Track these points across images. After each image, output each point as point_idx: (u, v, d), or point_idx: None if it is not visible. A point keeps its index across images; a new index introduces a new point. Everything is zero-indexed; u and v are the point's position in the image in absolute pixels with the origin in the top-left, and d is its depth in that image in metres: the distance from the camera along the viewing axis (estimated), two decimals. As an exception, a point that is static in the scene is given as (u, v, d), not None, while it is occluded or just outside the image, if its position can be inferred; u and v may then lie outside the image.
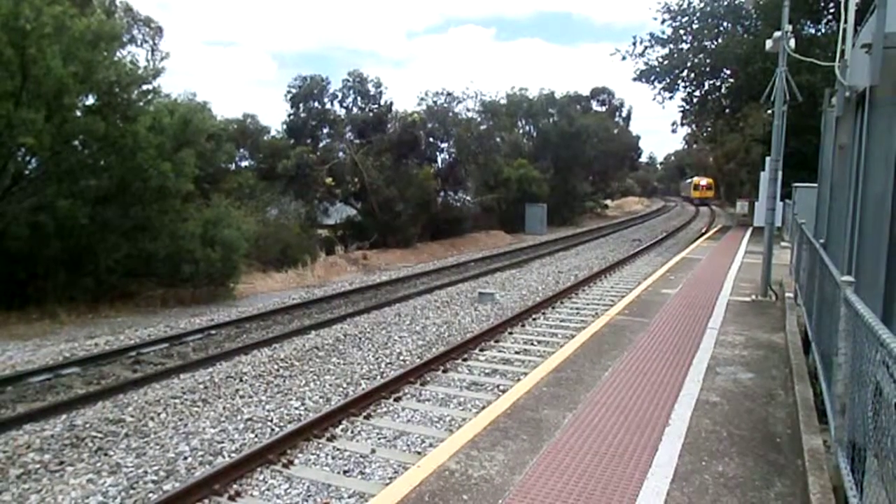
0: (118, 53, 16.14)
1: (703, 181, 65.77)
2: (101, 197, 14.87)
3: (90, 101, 15.15)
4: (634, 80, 32.75)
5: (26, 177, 14.89)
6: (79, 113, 14.71)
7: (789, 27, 11.12)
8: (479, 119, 35.39)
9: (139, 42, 21.83)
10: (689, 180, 73.90)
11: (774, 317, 10.26)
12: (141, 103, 15.86)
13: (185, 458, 6.61)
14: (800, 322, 9.36)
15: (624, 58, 32.66)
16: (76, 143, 14.78)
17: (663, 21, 30.74)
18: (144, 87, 16.12)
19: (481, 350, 10.63)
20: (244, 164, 28.24)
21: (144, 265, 15.65)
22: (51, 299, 14.12)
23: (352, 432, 7.20)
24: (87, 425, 7.49)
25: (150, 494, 5.87)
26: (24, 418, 7.64)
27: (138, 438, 7.17)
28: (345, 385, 9.06)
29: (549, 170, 43.33)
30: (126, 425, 7.54)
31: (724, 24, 30.06)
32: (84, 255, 14.75)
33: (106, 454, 6.76)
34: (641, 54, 32.03)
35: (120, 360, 10.35)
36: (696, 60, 31.13)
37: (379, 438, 7.01)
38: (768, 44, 11.52)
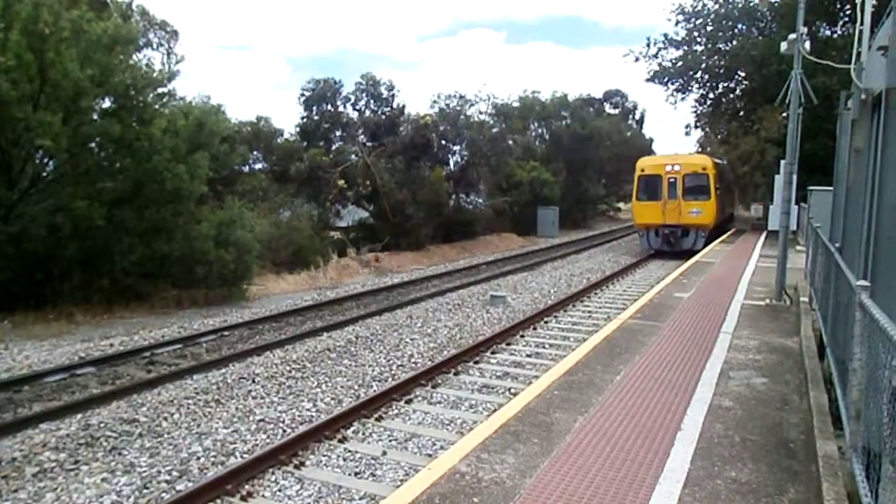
0: (134, 57, 16.32)
1: (675, 165, 24.37)
2: (116, 199, 15.02)
3: (106, 103, 15.32)
4: (648, 80, 32.75)
5: (44, 179, 15.07)
6: (95, 116, 14.87)
7: (804, 29, 11.04)
8: (491, 122, 35.38)
9: (155, 45, 22.05)
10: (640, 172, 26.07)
11: (789, 321, 10.16)
12: (156, 106, 16.01)
13: (198, 459, 6.66)
14: (815, 326, 9.27)
15: (637, 59, 32.67)
16: (93, 145, 14.93)
17: (677, 23, 30.68)
18: (160, 91, 16.27)
19: (493, 353, 10.62)
20: (257, 166, 28.41)
21: (159, 266, 15.78)
22: (67, 300, 14.27)
23: (363, 434, 7.23)
24: (102, 425, 7.57)
25: (164, 494, 5.92)
26: (41, 417, 7.73)
27: (152, 438, 7.24)
28: (356, 387, 9.09)
29: (561, 172, 43.17)
30: (140, 425, 7.62)
31: (739, 25, 29.90)
32: (100, 256, 14.90)
33: (120, 453, 6.83)
34: (655, 56, 32.01)
35: (134, 361, 10.45)
36: (710, 62, 31.01)
37: (390, 440, 7.03)
38: (783, 46, 11.45)
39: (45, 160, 15.15)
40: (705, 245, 23.21)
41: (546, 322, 12.96)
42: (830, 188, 12.27)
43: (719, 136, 47.08)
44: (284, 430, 7.44)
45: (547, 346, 11.09)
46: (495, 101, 36.86)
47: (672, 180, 23.90)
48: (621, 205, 66.06)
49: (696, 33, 30.62)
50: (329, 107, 30.31)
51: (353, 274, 22.55)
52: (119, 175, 15.04)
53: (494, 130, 34.40)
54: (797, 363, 7.64)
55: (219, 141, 18.49)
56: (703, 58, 30.93)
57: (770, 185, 18.55)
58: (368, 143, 30.00)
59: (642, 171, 25.04)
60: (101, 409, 8.15)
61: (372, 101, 30.92)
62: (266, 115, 30.68)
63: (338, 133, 30.66)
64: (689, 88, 32.69)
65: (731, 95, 33.67)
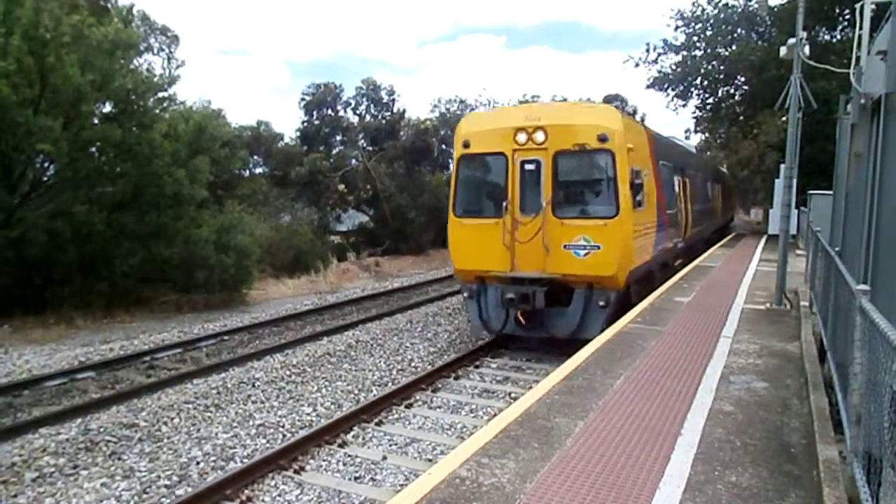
0: (135, 62, 16.40)
1: (538, 129, 9.99)
2: (116, 203, 15.06)
3: (107, 108, 15.38)
4: (648, 87, 32.70)
5: (44, 183, 15.11)
6: (96, 120, 14.93)
7: (804, 34, 11.04)
8: (491, 126, 35.40)
9: (155, 50, 22.09)
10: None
11: (789, 325, 10.14)
12: (157, 111, 16.08)
13: (198, 464, 6.65)
14: (815, 331, 9.25)
15: (637, 65, 32.63)
16: (93, 150, 14.99)
17: (676, 28, 30.67)
18: (160, 95, 16.35)
19: (493, 357, 10.60)
20: (258, 170, 28.51)
21: (159, 271, 15.80)
22: (67, 304, 14.28)
23: (363, 439, 7.21)
24: (102, 429, 7.56)
25: (163, 499, 5.91)
26: (40, 422, 7.72)
27: (152, 443, 7.23)
28: (356, 391, 9.08)
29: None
30: (140, 430, 7.60)
31: (738, 30, 29.92)
32: (100, 260, 14.93)
33: (120, 458, 6.82)
34: (654, 61, 31.95)
35: (134, 365, 10.44)
36: (709, 67, 30.99)
37: (390, 445, 7.02)
38: (783, 51, 11.45)
39: (46, 165, 15.20)
40: (611, 323, 9.67)
41: (546, 326, 12.91)
42: (830, 192, 12.27)
43: (719, 141, 47.14)
44: (284, 435, 7.43)
45: (548, 350, 11.06)
46: (496, 105, 36.97)
47: (530, 166, 10.42)
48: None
49: (695, 38, 30.63)
50: (329, 111, 30.40)
51: (353, 278, 22.56)
52: (119, 180, 15.08)
53: (495, 135, 34.41)
54: (798, 367, 7.62)
55: (219, 145, 18.58)
56: (703, 63, 30.93)
57: (770, 190, 18.56)
58: (369, 148, 30.08)
59: (466, 145, 10.90)
60: (101, 413, 8.13)
61: (372, 106, 31.01)
62: (266, 120, 30.85)
63: (338, 137, 30.75)
64: (689, 94, 32.67)
65: (731, 101, 33.64)
